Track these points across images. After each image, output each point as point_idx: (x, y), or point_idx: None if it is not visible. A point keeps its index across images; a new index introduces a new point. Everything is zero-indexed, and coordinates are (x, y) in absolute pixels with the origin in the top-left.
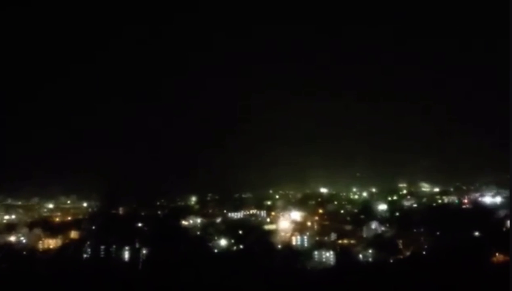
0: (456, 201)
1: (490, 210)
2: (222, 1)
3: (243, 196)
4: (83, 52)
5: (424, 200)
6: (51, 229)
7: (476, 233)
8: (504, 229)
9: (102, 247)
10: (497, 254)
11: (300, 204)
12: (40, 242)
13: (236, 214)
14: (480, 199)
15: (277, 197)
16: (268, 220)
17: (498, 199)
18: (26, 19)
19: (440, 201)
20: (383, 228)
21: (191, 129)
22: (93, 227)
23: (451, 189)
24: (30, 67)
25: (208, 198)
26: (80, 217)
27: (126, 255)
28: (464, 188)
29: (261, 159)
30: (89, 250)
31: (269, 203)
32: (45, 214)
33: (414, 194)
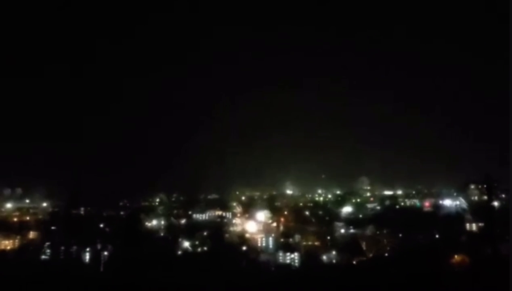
0: (418, 204)
1: (449, 214)
2: None
3: (209, 197)
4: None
5: (387, 202)
6: (9, 229)
7: (437, 235)
8: (462, 232)
9: (62, 248)
10: (455, 256)
11: (266, 205)
12: None
13: (201, 215)
14: (440, 202)
15: (243, 198)
16: (234, 221)
17: (457, 203)
18: None
19: (402, 204)
20: (347, 230)
21: (156, 130)
22: (53, 228)
23: (413, 192)
24: None
25: (173, 199)
26: (40, 217)
27: (87, 256)
28: (426, 191)
29: (227, 160)
30: (48, 251)
31: (234, 204)
32: (2, 214)
33: (377, 196)
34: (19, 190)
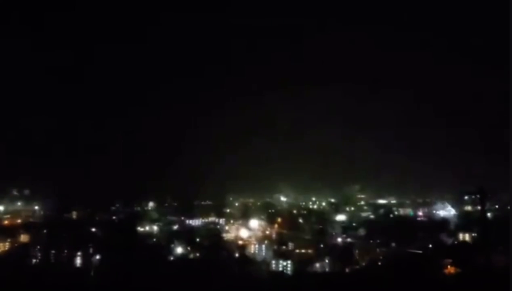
0: (411, 213)
1: (443, 223)
2: None
3: (202, 203)
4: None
5: (381, 211)
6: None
7: (430, 245)
8: (455, 242)
9: (53, 252)
10: (449, 266)
11: (259, 212)
12: None
13: (194, 221)
14: (434, 211)
15: (236, 204)
16: (227, 228)
17: (451, 213)
18: None
19: (396, 213)
20: (340, 238)
21: (150, 135)
22: (44, 231)
23: (407, 201)
24: None
25: (167, 204)
26: (31, 220)
27: (78, 261)
28: (420, 201)
29: (221, 166)
30: (38, 254)
31: (228, 210)
32: None
33: (371, 205)
34: (10, 192)
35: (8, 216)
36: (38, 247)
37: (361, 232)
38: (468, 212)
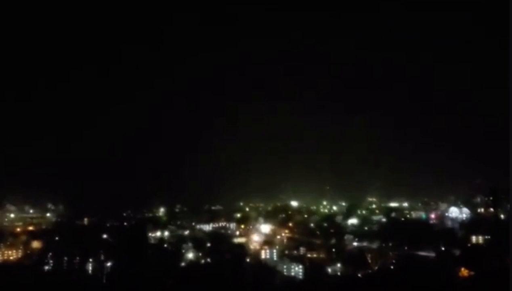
0: (424, 216)
1: (456, 226)
2: None
3: (213, 208)
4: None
5: (393, 214)
6: (12, 239)
7: (443, 248)
8: (469, 245)
9: (65, 258)
10: (462, 269)
11: (270, 216)
12: (0, 252)
13: (205, 226)
14: (446, 214)
15: (247, 209)
16: (238, 232)
17: (463, 216)
18: None
19: (408, 216)
20: (352, 242)
21: (160, 141)
22: (57, 238)
23: (419, 204)
24: None
25: (177, 210)
26: (44, 227)
27: (90, 267)
28: (432, 203)
29: (231, 171)
30: (51, 261)
31: (239, 215)
32: (6, 224)
33: (383, 208)
34: (23, 200)
35: (21, 223)
36: (51, 253)
37: (373, 235)
38: (481, 214)
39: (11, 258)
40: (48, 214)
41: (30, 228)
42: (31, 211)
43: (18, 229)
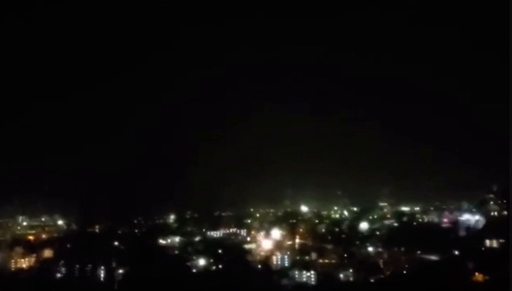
0: (436, 220)
1: (469, 230)
2: None
3: (223, 214)
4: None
5: (405, 218)
6: (25, 247)
7: (456, 252)
8: (483, 249)
9: (77, 266)
10: (476, 274)
11: (280, 222)
12: (13, 261)
13: (215, 232)
14: (459, 218)
15: (257, 215)
16: (248, 238)
17: (477, 219)
18: None
19: (420, 220)
20: (364, 247)
21: (169, 146)
22: (68, 246)
23: (431, 208)
24: None
25: (187, 216)
26: (55, 235)
27: (102, 274)
28: (444, 207)
29: (241, 177)
30: (63, 269)
31: (249, 221)
32: (18, 232)
33: (394, 212)
34: (35, 208)
35: (33, 231)
36: (63, 261)
37: (385, 240)
38: (494, 218)
39: (23, 266)
40: (59, 222)
41: (43, 236)
42: (43, 219)
43: (31, 237)
